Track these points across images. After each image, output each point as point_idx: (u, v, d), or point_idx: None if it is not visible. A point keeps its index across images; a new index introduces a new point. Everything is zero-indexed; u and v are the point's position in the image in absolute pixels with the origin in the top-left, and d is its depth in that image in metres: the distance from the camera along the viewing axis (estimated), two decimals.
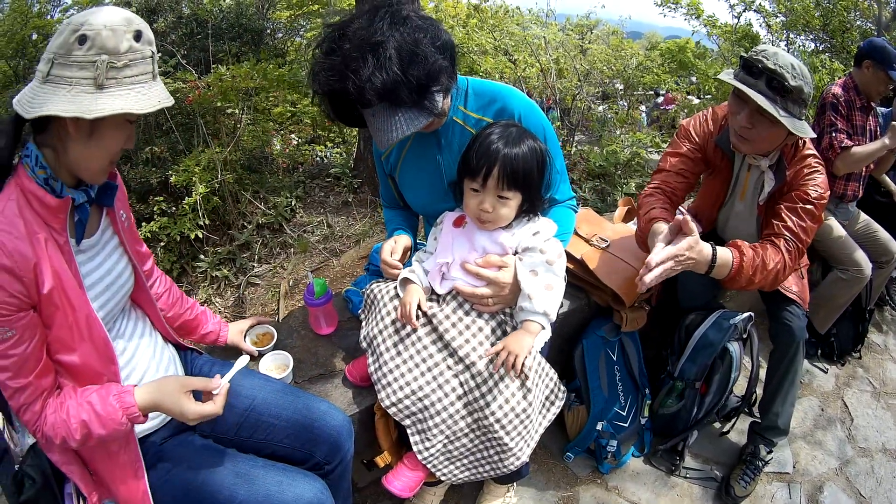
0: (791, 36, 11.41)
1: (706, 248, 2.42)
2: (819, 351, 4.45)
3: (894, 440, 3.79)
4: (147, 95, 1.54)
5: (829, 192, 2.73)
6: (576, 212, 2.53)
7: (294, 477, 1.89)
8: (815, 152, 2.77)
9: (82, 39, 1.43)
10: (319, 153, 7.18)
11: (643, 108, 10.84)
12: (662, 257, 2.28)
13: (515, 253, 2.15)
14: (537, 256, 2.10)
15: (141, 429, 1.85)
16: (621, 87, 9.00)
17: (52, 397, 1.60)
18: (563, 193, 2.45)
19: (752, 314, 3.14)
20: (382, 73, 1.77)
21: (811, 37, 11.14)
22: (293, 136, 7.36)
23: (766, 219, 2.87)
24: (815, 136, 2.69)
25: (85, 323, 1.63)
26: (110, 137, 1.58)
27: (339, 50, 1.82)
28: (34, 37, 10.97)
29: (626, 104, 8.58)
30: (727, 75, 2.68)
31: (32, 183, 1.54)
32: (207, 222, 5.14)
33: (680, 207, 3.37)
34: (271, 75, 6.58)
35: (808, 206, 2.64)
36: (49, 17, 12.48)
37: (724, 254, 2.49)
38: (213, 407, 1.73)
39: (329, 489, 1.96)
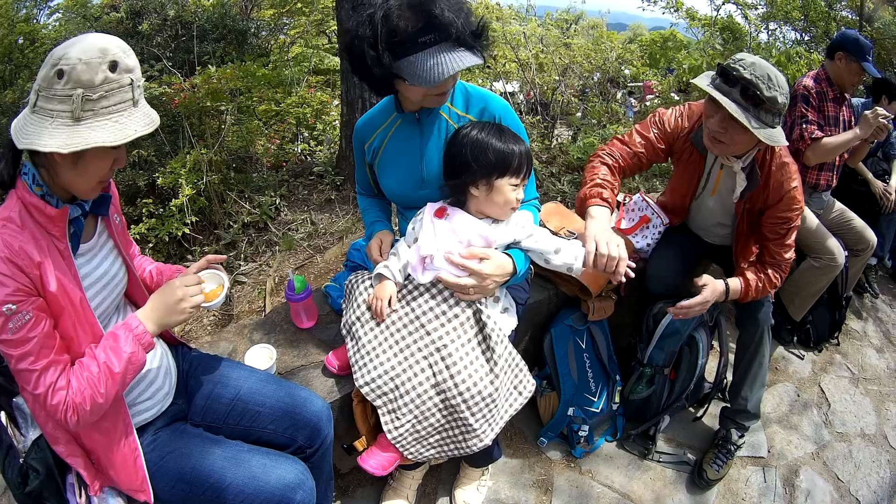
0: (772, 26, 11.51)
1: (720, 286, 2.95)
2: (795, 338, 4.52)
3: (874, 425, 3.84)
4: (124, 125, 1.59)
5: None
6: (538, 210, 2.65)
7: (277, 460, 2.02)
8: (791, 160, 2.91)
9: (60, 74, 1.51)
10: (303, 151, 7.26)
11: (632, 99, 10.88)
12: (693, 303, 2.88)
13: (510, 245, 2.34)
14: (531, 240, 2.33)
15: (138, 419, 1.97)
16: (599, 80, 9.03)
17: (71, 368, 1.69)
18: (529, 193, 2.56)
19: (719, 302, 3.21)
20: (457, 15, 1.95)
21: (792, 27, 11.21)
22: (276, 136, 7.44)
23: (748, 227, 3.08)
24: (787, 143, 2.78)
25: (85, 319, 1.74)
26: (95, 164, 1.66)
27: None
28: (20, 41, 10.96)
29: (603, 97, 8.61)
30: (703, 79, 2.75)
31: (33, 196, 1.63)
32: (195, 220, 5.22)
33: (650, 202, 3.51)
34: (257, 74, 6.66)
35: (794, 226, 2.91)
36: (35, 21, 12.46)
37: (735, 285, 2.99)
38: (198, 296, 1.91)
39: (311, 472, 2.09)
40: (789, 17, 10.84)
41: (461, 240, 2.27)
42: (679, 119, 3.08)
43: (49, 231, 1.67)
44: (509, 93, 8.75)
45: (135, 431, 1.93)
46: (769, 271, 3.00)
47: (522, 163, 2.23)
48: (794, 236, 2.99)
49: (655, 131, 3.08)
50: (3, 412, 1.91)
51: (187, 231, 5.12)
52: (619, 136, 3.14)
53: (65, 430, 1.83)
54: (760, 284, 2.99)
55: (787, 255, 2.98)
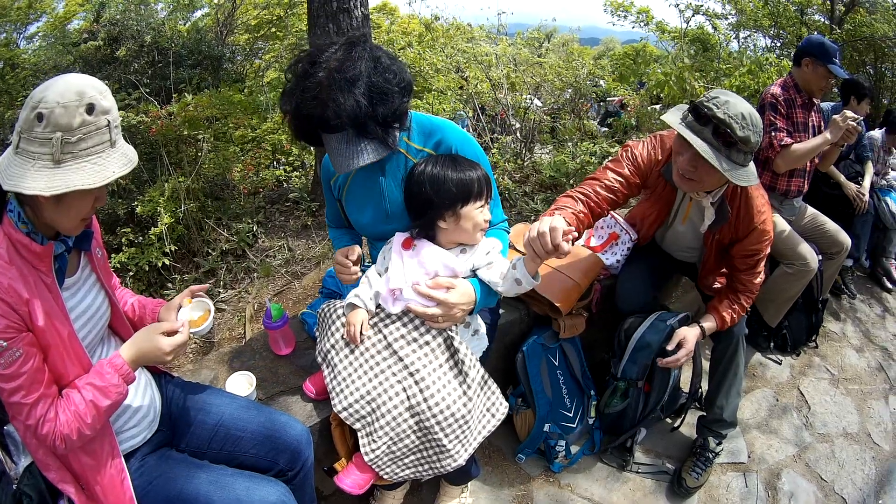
0: (744, 34, 11.69)
1: (694, 334, 3.06)
2: (772, 344, 4.58)
3: (856, 424, 3.93)
4: (103, 166, 1.65)
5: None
6: (507, 233, 2.71)
7: (260, 482, 2.08)
8: (761, 192, 2.96)
9: (40, 117, 1.56)
10: (279, 177, 7.30)
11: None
12: (678, 357, 3.00)
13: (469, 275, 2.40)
14: (485, 270, 2.38)
15: (125, 446, 2.03)
16: (570, 97, 9.05)
17: (59, 401, 1.76)
18: (496, 217, 2.63)
19: (689, 314, 3.28)
20: (356, 106, 2.01)
21: (763, 34, 11.37)
22: (252, 163, 7.48)
23: (716, 258, 3.19)
24: (758, 182, 2.78)
25: (73, 352, 1.80)
26: (77, 203, 1.71)
27: (313, 76, 2.03)
28: (0, 66, 10.96)
29: (575, 114, 8.65)
30: (675, 115, 2.74)
31: (19, 233, 1.69)
32: (174, 249, 5.25)
33: (619, 219, 3.56)
34: (233, 100, 6.70)
35: (764, 255, 3.02)
36: (15, 46, 12.45)
37: (710, 324, 3.11)
38: (181, 336, 1.97)
39: (293, 494, 2.15)
40: (760, 25, 11.02)
41: (428, 272, 2.34)
42: (652, 152, 3.05)
43: (35, 266, 1.72)
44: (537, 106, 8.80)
45: (121, 454, 1.98)
46: (741, 299, 3.11)
47: (482, 186, 2.30)
48: (763, 264, 3.06)
49: (630, 167, 3.03)
50: None
51: (167, 262, 5.15)
52: (592, 175, 3.08)
53: (55, 458, 1.87)
54: (735, 315, 3.11)
55: (756, 282, 3.08)
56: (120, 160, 1.70)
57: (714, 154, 2.53)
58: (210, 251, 5.64)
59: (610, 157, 3.19)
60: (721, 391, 3.33)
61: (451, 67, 9.10)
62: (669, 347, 3.04)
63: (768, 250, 3.02)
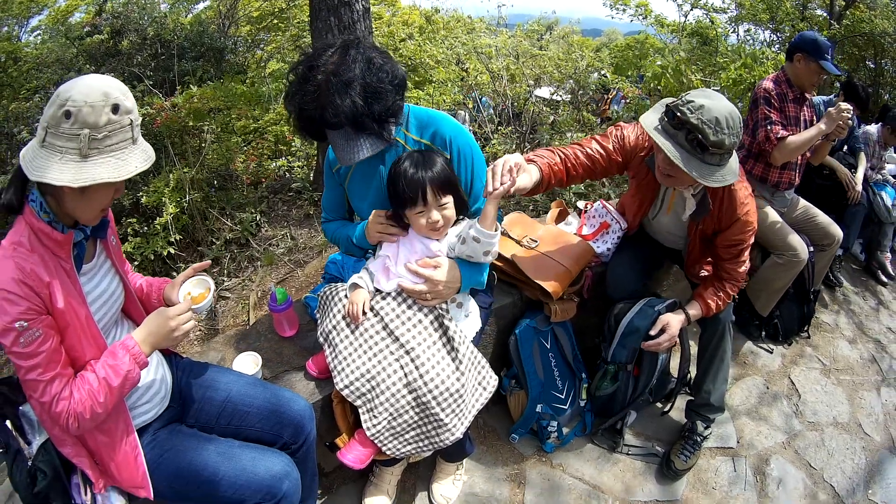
0: (747, 27, 11.71)
1: (678, 320, 3.17)
2: (763, 333, 4.63)
3: (847, 413, 3.97)
4: (126, 161, 1.76)
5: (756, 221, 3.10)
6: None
7: (265, 453, 2.24)
8: (744, 185, 3.02)
9: (67, 114, 1.66)
10: (282, 168, 7.37)
11: (615, 106, 10.96)
12: (661, 341, 3.12)
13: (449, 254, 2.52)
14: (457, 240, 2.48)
15: (138, 421, 2.14)
16: (572, 88, 9.04)
17: (74, 380, 1.86)
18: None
19: (678, 300, 3.36)
20: (353, 106, 2.16)
21: (763, 28, 11.39)
22: (254, 153, 7.54)
23: (700, 247, 3.29)
24: (736, 180, 2.77)
25: (90, 333, 1.92)
26: (99, 195, 1.82)
27: (313, 80, 2.20)
28: (2, 59, 10.96)
29: (574, 106, 8.67)
30: (653, 115, 2.80)
31: (40, 222, 1.80)
32: (178, 238, 5.34)
33: (610, 208, 3.69)
34: (237, 91, 6.77)
35: (748, 245, 3.12)
36: (18, 40, 12.47)
37: (695, 311, 3.22)
38: (183, 305, 2.09)
39: (296, 466, 2.29)
40: (759, 20, 11.05)
41: (415, 250, 2.51)
42: (640, 138, 3.12)
43: (55, 253, 1.84)
44: (554, 99, 8.88)
45: (135, 431, 2.10)
46: (726, 287, 3.21)
47: (415, 190, 2.37)
48: (747, 253, 3.16)
49: (615, 143, 3.11)
50: (7, 421, 2.07)
51: (172, 251, 5.25)
52: (577, 141, 3.16)
53: (70, 434, 1.96)
54: (720, 302, 3.21)
55: (741, 270, 3.18)
56: (141, 156, 1.82)
57: (686, 158, 2.61)
58: (214, 240, 5.74)
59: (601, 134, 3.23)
60: (708, 376, 3.42)
61: (452, 59, 9.14)
62: (653, 332, 3.16)
63: (752, 240, 3.10)
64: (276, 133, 7.71)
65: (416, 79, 8.77)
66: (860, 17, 9.68)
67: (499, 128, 7.77)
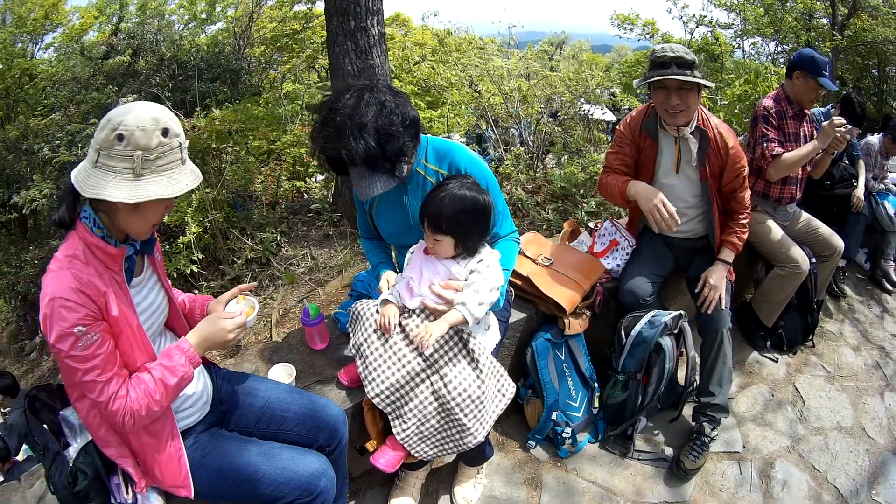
0: (754, 41, 11.83)
1: (718, 269, 3.70)
2: (768, 342, 4.73)
3: (851, 418, 4.07)
4: (176, 179, 1.91)
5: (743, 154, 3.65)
6: (518, 242, 3.05)
7: (304, 453, 2.39)
8: (716, 119, 3.65)
9: (120, 138, 1.78)
10: (299, 189, 7.49)
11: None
12: (706, 296, 3.61)
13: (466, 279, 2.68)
14: (475, 276, 2.65)
15: (182, 424, 2.27)
16: (582, 108, 9.11)
17: (129, 380, 1.98)
18: (506, 228, 2.99)
19: (683, 312, 3.55)
20: (367, 148, 2.36)
21: (771, 40, 11.50)
22: (272, 174, 7.66)
23: (721, 208, 3.78)
24: (713, 85, 3.34)
25: (140, 341, 2.06)
26: (150, 211, 1.95)
27: (332, 122, 2.41)
28: (17, 76, 11.13)
29: (585, 125, 8.75)
30: (638, 81, 3.63)
31: (93, 237, 1.92)
32: (200, 257, 5.50)
33: (619, 226, 3.92)
34: (256, 114, 6.90)
35: (746, 173, 3.70)
36: (33, 57, 12.63)
37: (728, 252, 3.76)
38: (241, 318, 2.24)
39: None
40: (764, 34, 11.18)
41: (438, 272, 2.68)
42: (632, 118, 3.76)
43: (108, 266, 1.96)
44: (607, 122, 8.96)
45: (180, 434, 2.23)
46: (740, 221, 3.77)
47: (422, 218, 2.62)
48: (746, 181, 3.72)
49: (622, 140, 3.76)
50: (44, 425, 2.22)
51: (195, 269, 5.39)
52: (606, 163, 3.87)
53: (116, 435, 2.10)
54: (741, 235, 3.78)
55: (747, 197, 3.77)
56: (190, 175, 1.97)
57: (687, 76, 3.29)
58: (235, 259, 5.87)
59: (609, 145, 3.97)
60: (713, 380, 3.60)
61: (465, 81, 9.27)
62: (696, 290, 3.70)
63: (746, 170, 3.69)
64: (294, 155, 7.84)
65: (430, 99, 8.89)
66: (862, 27, 9.78)
67: (511, 148, 7.88)
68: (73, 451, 2.18)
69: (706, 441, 3.57)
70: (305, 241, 6.35)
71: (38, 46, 13.36)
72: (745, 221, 3.77)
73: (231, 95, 10.17)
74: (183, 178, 1.95)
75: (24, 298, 8.37)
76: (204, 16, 12.76)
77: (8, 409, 5.30)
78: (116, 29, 11.82)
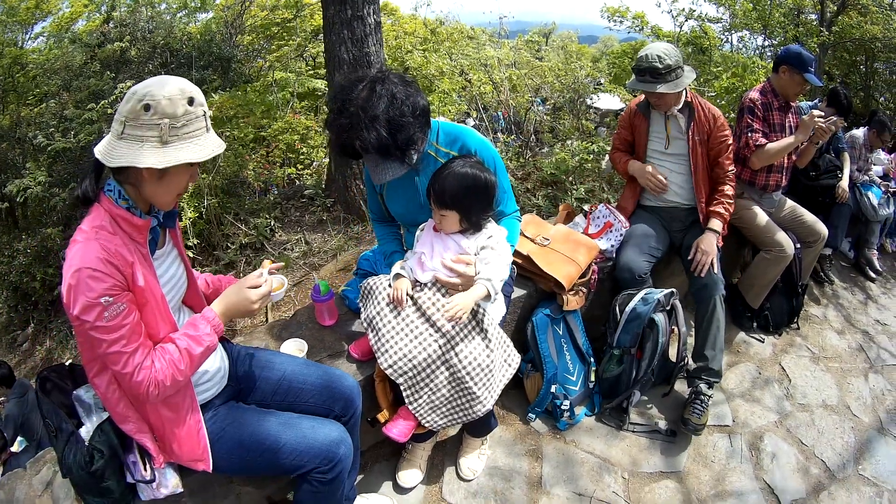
0: (743, 34, 11.94)
1: (708, 236, 3.93)
2: (755, 323, 4.87)
3: (836, 397, 4.21)
4: (202, 145, 1.95)
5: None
6: (519, 221, 3.19)
7: (322, 422, 2.45)
8: (699, 99, 4.03)
9: (147, 107, 1.83)
10: (291, 175, 7.52)
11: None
12: (699, 260, 3.86)
13: (476, 253, 2.80)
14: (489, 252, 2.78)
15: (201, 397, 2.31)
16: (570, 97, 9.16)
17: (154, 351, 2.01)
18: (509, 207, 3.13)
19: (675, 290, 3.71)
20: (378, 137, 2.47)
21: (759, 34, 11.60)
22: (264, 160, 7.66)
23: (704, 174, 4.08)
24: (691, 79, 3.76)
25: (164, 312, 2.11)
26: (176, 179, 1.99)
27: (346, 112, 2.51)
28: (8, 65, 11.07)
29: (574, 114, 8.82)
30: (630, 83, 3.97)
31: (119, 208, 1.95)
32: (196, 242, 5.56)
33: (612, 209, 4.10)
34: (252, 99, 6.93)
35: (731, 143, 4.05)
36: (22, 46, 12.54)
37: (717, 222, 4.01)
38: (266, 287, 2.27)
39: None
40: (752, 28, 11.29)
41: (448, 247, 2.80)
42: (630, 107, 4.30)
43: (133, 238, 2.00)
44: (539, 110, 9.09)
45: (199, 408, 2.26)
46: (726, 191, 4.06)
47: (428, 194, 2.77)
48: (731, 151, 4.05)
49: (624, 123, 4.32)
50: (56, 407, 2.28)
51: (191, 254, 5.43)
52: (613, 144, 4.46)
53: (135, 410, 2.13)
54: (728, 206, 4.05)
55: (731, 165, 4.07)
56: (214, 142, 2.02)
57: (658, 86, 3.72)
58: (229, 244, 5.92)
59: (615, 129, 4.37)
60: (707, 343, 3.80)
61: (456, 70, 9.34)
62: (690, 257, 3.92)
63: (731, 140, 4.04)
64: (286, 141, 7.89)
65: (422, 88, 8.94)
66: (850, 24, 9.89)
67: (500, 135, 7.95)
68: (85, 432, 2.22)
69: (705, 399, 3.70)
70: (299, 227, 6.41)
71: (27, 35, 13.27)
72: (730, 192, 4.05)
73: (222, 83, 10.17)
74: (208, 144, 2.00)
75: (16, 288, 8.33)
76: (198, 4, 12.72)
77: (3, 398, 5.25)
78: (108, 17, 11.75)
